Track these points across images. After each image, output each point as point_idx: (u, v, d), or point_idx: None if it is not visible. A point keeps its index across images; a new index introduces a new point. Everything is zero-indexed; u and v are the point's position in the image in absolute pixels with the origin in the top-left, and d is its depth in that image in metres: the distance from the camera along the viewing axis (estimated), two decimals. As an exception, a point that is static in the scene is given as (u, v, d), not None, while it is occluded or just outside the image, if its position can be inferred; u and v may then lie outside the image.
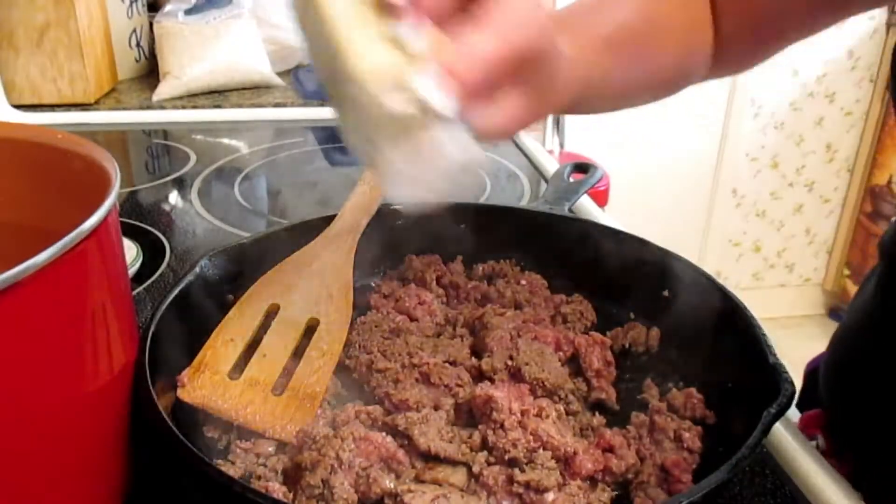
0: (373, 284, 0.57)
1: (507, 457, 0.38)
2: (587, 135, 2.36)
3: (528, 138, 1.03)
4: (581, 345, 0.48)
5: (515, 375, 0.46)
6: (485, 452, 0.39)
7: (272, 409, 0.43)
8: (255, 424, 0.42)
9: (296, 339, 0.47)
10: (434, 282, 0.57)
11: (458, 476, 0.39)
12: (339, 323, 0.48)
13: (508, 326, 0.49)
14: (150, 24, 1.27)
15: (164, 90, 1.18)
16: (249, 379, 0.44)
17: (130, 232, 0.72)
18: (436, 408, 0.43)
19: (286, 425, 0.42)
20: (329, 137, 1.10)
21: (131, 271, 0.64)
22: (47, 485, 0.32)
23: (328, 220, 0.54)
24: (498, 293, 0.55)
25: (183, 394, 0.42)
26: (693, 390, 0.45)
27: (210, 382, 0.43)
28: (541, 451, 0.39)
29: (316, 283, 0.50)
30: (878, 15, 2.40)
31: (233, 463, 0.40)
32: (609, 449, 0.40)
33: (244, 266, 0.51)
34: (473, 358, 0.48)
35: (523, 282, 0.56)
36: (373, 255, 0.57)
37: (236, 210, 0.80)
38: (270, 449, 0.41)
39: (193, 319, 0.46)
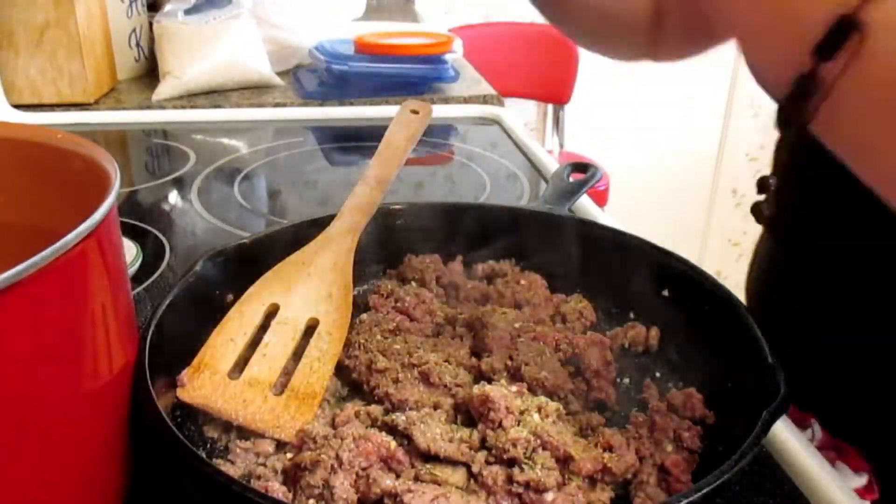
0: (373, 285, 0.57)
1: (506, 456, 0.38)
2: (587, 134, 2.37)
3: (528, 138, 1.03)
4: (580, 345, 0.48)
5: (515, 375, 0.46)
6: (484, 452, 0.39)
7: (272, 409, 0.43)
8: (255, 424, 0.42)
9: (296, 339, 0.47)
10: (434, 282, 0.57)
11: (458, 476, 0.39)
12: (338, 322, 0.48)
13: (508, 326, 0.49)
14: (150, 24, 1.27)
15: (163, 90, 1.18)
16: (249, 379, 0.44)
17: (130, 232, 0.72)
18: (435, 407, 0.43)
19: (286, 425, 0.42)
20: (329, 137, 1.10)
21: (131, 271, 0.64)
22: (47, 485, 0.32)
23: (328, 219, 0.54)
24: (498, 293, 0.55)
25: (183, 394, 0.42)
26: (693, 390, 0.45)
27: (210, 382, 0.43)
28: (540, 450, 0.39)
29: (315, 283, 0.50)
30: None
31: (233, 463, 0.40)
32: (608, 449, 0.40)
33: (244, 266, 0.51)
34: (473, 358, 0.48)
35: (523, 282, 0.56)
36: (373, 256, 0.57)
37: (236, 210, 0.80)
38: (270, 449, 0.41)
39: (193, 319, 0.46)
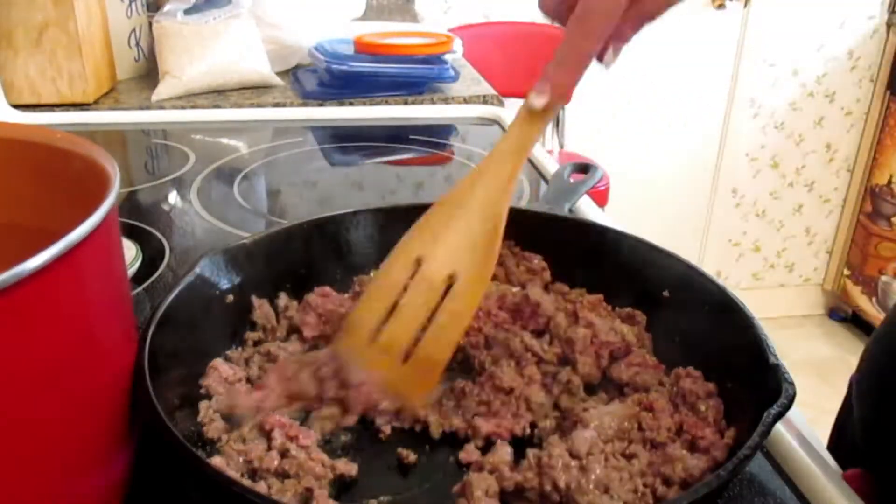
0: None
1: None
2: (587, 135, 2.37)
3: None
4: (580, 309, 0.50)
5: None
6: None
7: (398, 378, 0.42)
8: (382, 391, 0.42)
9: (433, 300, 0.43)
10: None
11: None
12: (475, 280, 0.43)
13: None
14: (150, 24, 1.27)
15: (163, 90, 1.18)
16: (383, 345, 0.43)
17: (130, 232, 0.72)
18: None
19: (407, 395, 0.42)
20: (329, 137, 1.10)
21: (131, 271, 0.64)
22: (47, 486, 0.32)
23: (329, 219, 0.53)
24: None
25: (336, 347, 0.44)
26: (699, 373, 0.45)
27: (354, 343, 0.44)
28: None
29: (461, 230, 0.43)
30: (878, 15, 2.40)
31: (227, 465, 0.40)
32: (649, 409, 0.39)
33: (244, 266, 0.50)
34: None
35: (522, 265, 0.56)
36: (371, 256, 0.57)
37: (236, 210, 0.80)
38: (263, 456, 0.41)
39: (193, 320, 0.46)
